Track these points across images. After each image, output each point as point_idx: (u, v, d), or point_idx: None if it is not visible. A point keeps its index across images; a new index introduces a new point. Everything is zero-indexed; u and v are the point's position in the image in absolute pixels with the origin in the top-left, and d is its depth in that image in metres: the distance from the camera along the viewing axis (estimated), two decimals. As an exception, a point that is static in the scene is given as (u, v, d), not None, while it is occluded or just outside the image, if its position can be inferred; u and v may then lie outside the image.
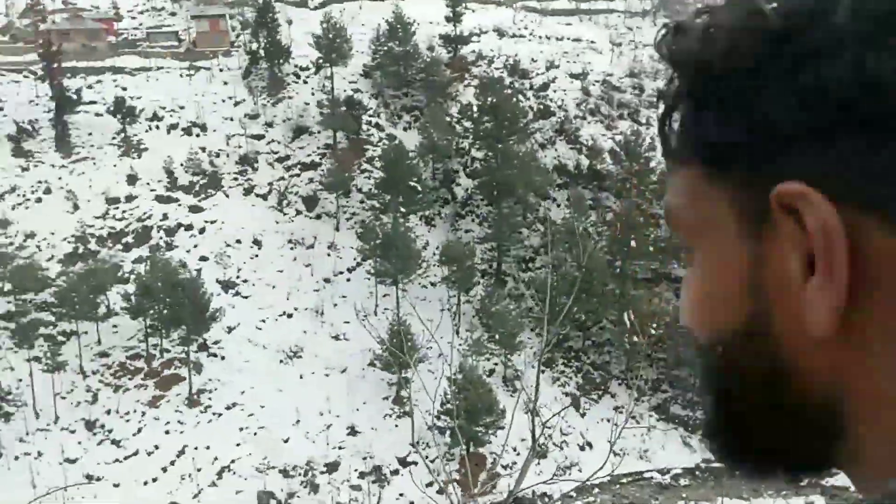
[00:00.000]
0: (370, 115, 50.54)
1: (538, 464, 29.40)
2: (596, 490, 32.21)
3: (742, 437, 0.54)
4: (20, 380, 35.39)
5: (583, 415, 37.66)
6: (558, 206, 47.32)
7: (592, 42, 58.89)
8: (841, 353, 0.48)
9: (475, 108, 47.60)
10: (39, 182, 43.91)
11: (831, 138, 0.46)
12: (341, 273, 43.18)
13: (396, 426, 36.50)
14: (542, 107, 53.08)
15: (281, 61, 51.78)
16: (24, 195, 43.27)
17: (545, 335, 12.72)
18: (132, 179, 44.82)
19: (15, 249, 39.75)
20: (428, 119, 48.45)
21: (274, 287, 41.73)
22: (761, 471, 0.54)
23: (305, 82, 52.24)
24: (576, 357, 41.09)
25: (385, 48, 51.68)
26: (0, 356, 36.26)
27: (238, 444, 34.69)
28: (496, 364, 39.89)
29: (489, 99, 46.44)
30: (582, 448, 36.21)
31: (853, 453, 0.49)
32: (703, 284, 0.54)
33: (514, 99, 48.30)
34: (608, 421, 38.57)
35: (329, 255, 43.75)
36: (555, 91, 54.22)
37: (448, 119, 49.12)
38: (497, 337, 38.84)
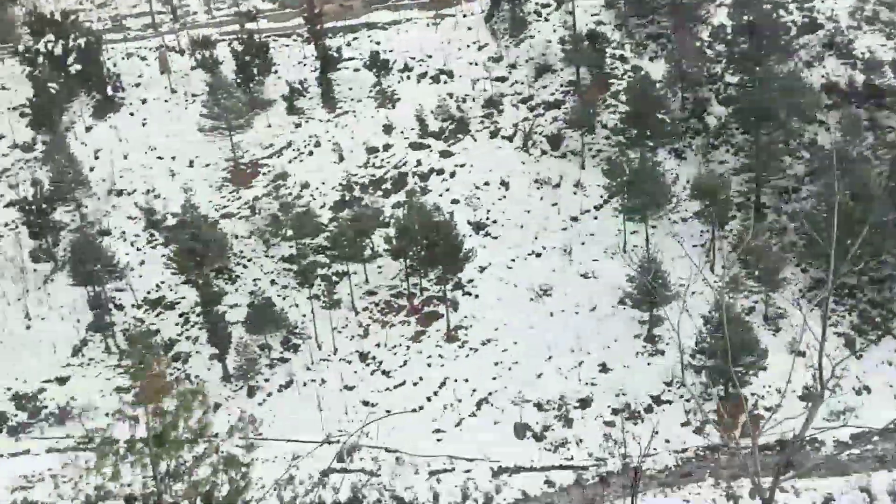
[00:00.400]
0: (613, 48, 48.94)
1: (806, 406, 27.45)
2: (876, 438, 29.57)
3: None
4: (304, 315, 39.68)
5: (859, 356, 34.45)
6: (828, 130, 42.95)
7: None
8: None
9: (729, 29, 44.15)
10: (310, 136, 48.14)
11: None
12: (588, 211, 42.87)
13: (649, 364, 35.98)
14: (807, 19, 48.00)
15: (522, 0, 51.65)
16: (298, 149, 47.74)
17: (832, 271, 11.16)
18: (388, 129, 47.59)
19: (294, 199, 44.20)
20: (676, 46, 45.89)
21: (522, 227, 42.50)
22: None
23: (547, 19, 51.72)
24: (850, 294, 37.53)
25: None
26: (287, 295, 40.85)
27: (494, 378, 36.27)
28: (756, 302, 37.64)
29: (745, 17, 42.82)
30: (858, 392, 33.29)
31: None
32: None
33: (774, 14, 44.10)
34: (890, 364, 34.95)
35: (575, 193, 43.57)
36: (823, 1, 48.73)
37: (698, 44, 46.13)
38: (756, 273, 36.52)
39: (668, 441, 32.26)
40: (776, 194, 41.92)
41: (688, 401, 33.47)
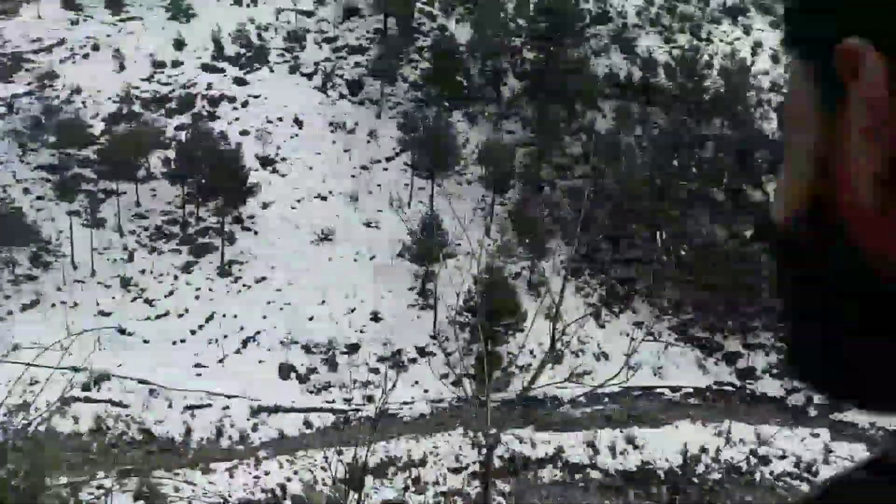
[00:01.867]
0: (423, 3, 49.24)
1: (552, 368, 30.03)
2: (606, 399, 32.97)
3: (831, 345, 0.49)
4: (60, 231, 36.47)
5: (602, 326, 38.14)
6: (604, 117, 46.39)
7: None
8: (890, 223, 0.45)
9: (532, 7, 46.05)
10: (88, 38, 43.84)
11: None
12: (379, 161, 43.18)
13: (419, 317, 37.30)
14: (600, 11, 51.27)
15: (337, -63, 50.23)
16: (72, 49, 43.31)
17: (576, 243, 12.94)
18: (179, 45, 44.56)
19: (61, 103, 40.16)
20: (482, 13, 47.11)
21: (311, 168, 41.94)
22: (850, 392, 0.49)
23: (361, -39, 50.83)
24: (602, 270, 41.22)
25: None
26: (42, 207, 37.26)
27: (264, 317, 35.78)
28: (523, 268, 40.21)
29: (546, -1, 44.90)
30: (598, 358, 36.82)
31: None
32: (788, 166, 0.52)
33: (573, 1, 46.63)
34: (627, 335, 39.06)
35: (369, 141, 43.66)
36: (617, -4, 52.30)
37: (503, 15, 47.71)
38: (527, 241, 38.97)
39: (426, 391, 33.81)
40: (555, 170, 44.77)
41: (449, 354, 35.19)
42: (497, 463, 27.92)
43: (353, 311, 36.69)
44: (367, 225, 40.50)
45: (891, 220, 0.44)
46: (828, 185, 0.48)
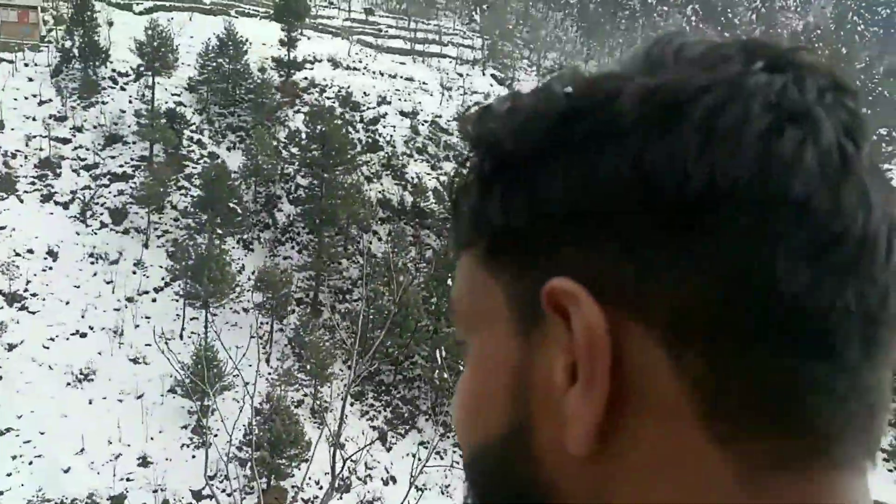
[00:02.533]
0: (192, 131, 48.53)
1: (340, 498, 28.92)
2: (397, 526, 32.11)
3: None
4: None
5: (389, 449, 37.61)
6: (380, 239, 47.57)
7: (424, 83, 60.34)
8: (598, 474, 0.40)
9: (304, 135, 47.03)
10: None
11: (606, 231, 0.40)
12: (147, 293, 40.69)
13: (194, 457, 34.58)
14: (371, 140, 53.45)
15: (97, 63, 48.57)
16: None
17: (354, 367, 12.66)
18: None
19: None
20: (254, 141, 47.25)
21: (68, 303, 38.51)
22: None
23: (123, 89, 49.33)
24: (386, 391, 41.11)
25: (214, 63, 50.02)
26: None
27: (9, 475, 31.34)
28: (305, 395, 39.06)
29: (319, 127, 46.10)
30: (386, 483, 36.07)
31: None
32: (472, 384, 0.46)
33: (344, 130, 48.29)
34: (413, 456, 38.76)
35: (135, 272, 41.14)
36: (384, 126, 54.84)
37: (275, 143, 48.18)
38: (308, 367, 38.08)
39: (204, 539, 31.00)
40: (333, 293, 44.72)
41: (229, 495, 32.75)
42: None
43: (117, 457, 33.24)
44: (135, 361, 37.53)
45: (588, 465, 0.40)
46: (522, 419, 0.42)
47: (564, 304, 0.40)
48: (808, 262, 0.37)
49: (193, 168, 46.33)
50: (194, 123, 48.96)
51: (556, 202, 0.41)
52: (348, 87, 56.06)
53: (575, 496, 0.41)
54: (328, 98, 54.37)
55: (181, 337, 38.52)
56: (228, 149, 48.87)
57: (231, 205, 43.09)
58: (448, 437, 39.77)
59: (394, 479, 36.36)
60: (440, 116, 57.29)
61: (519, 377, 0.42)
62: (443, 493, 35.65)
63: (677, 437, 0.38)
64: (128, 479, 32.78)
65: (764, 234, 0.37)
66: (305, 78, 55.45)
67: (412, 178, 51.79)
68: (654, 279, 0.38)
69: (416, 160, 53.62)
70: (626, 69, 0.42)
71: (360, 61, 60.37)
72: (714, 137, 0.38)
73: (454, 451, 38.78)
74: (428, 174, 52.41)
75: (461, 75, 63.80)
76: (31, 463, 31.97)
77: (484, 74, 65.35)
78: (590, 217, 0.40)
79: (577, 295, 0.39)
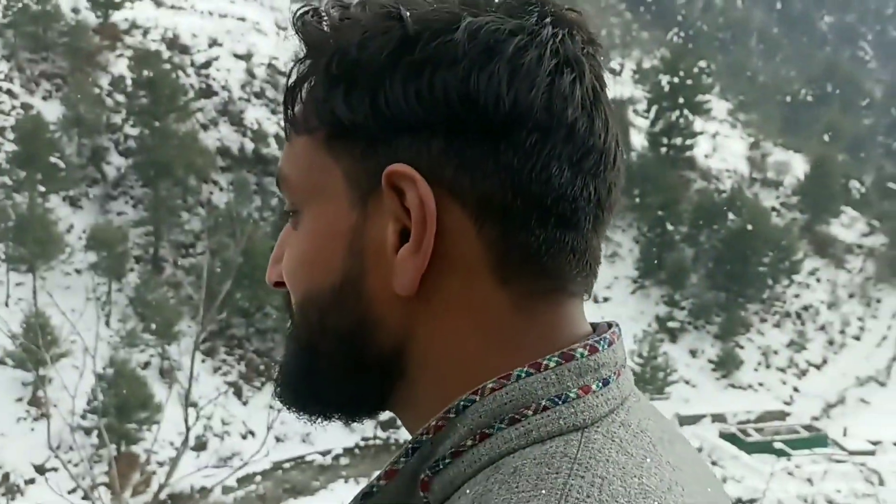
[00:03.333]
0: (1, 80, 44.21)
1: (198, 457, 28.28)
2: (258, 478, 31.87)
3: (319, 387, 0.62)
4: None
5: (245, 403, 37.01)
6: (221, 189, 45.82)
7: (258, 23, 57.81)
8: (414, 309, 0.58)
9: (129, 82, 43.98)
10: None
11: (436, 133, 0.56)
12: (-39, 259, 37.26)
13: (33, 430, 32.57)
14: (204, 85, 50.85)
15: None
16: None
17: (201, 322, 12.24)
18: None
19: None
20: (72, 89, 43.71)
21: None
22: (327, 416, 0.64)
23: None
24: (239, 345, 40.23)
25: (19, 4, 45.48)
26: None
27: None
28: (152, 356, 37.51)
29: (145, 72, 43.25)
30: (244, 437, 35.58)
31: (408, 396, 0.60)
32: (308, 246, 0.62)
33: (174, 74, 45.62)
34: (271, 407, 38.37)
35: (-54, 238, 37.48)
36: (218, 70, 52.28)
37: (97, 91, 44.80)
38: (153, 327, 36.48)
39: (52, 513, 29.44)
40: (174, 248, 42.80)
41: (76, 465, 31.21)
42: (146, 575, 25.33)
43: (-57, 438, 30.71)
44: (-46, 334, 34.45)
45: (407, 305, 0.58)
46: (355, 272, 0.59)
47: (400, 184, 0.56)
48: (570, 167, 0.57)
49: (5, 120, 42.35)
50: (2, 71, 44.59)
51: (395, 107, 0.57)
52: (175, 28, 52.76)
53: (394, 328, 0.59)
54: (153, 41, 50.98)
55: (7, 304, 35.73)
56: (44, 98, 44.97)
57: (52, 160, 39.88)
58: (305, 385, 39.58)
59: (252, 433, 35.90)
60: (277, 58, 55.25)
61: (354, 238, 0.59)
62: (303, 441, 35.64)
63: (473, 283, 0.57)
64: (-42, 461, 30.42)
65: (545, 148, 0.56)
66: (126, 19, 51.60)
67: (251, 124, 49.96)
68: (469, 172, 0.56)
69: (254, 105, 51.63)
70: (451, 7, 0.58)
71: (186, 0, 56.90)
72: (519, 72, 0.56)
73: (312, 399, 38.71)
74: (268, 119, 50.70)
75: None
76: None
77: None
78: (424, 122, 0.56)
79: (413, 176, 0.56)
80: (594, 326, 0.63)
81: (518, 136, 0.56)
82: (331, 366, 0.61)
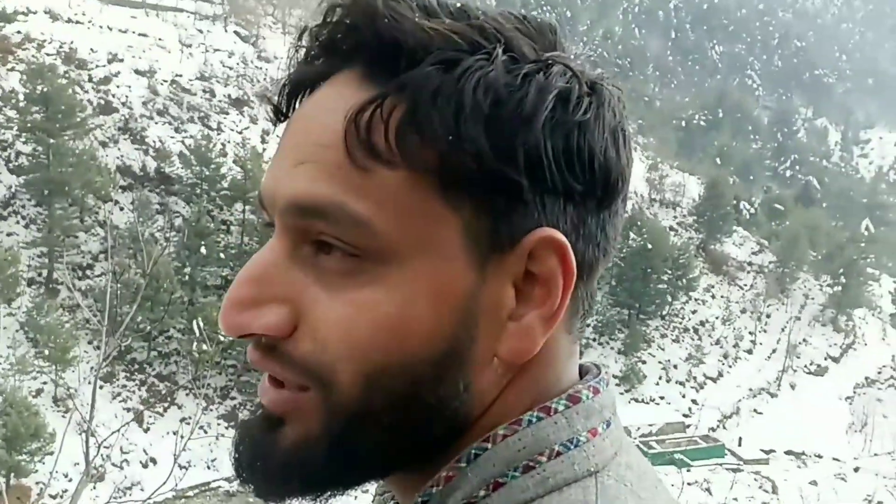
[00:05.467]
0: None
1: (94, 488, 27.13)
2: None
3: (351, 463, 0.52)
4: None
5: (146, 430, 35.66)
6: (122, 209, 44.26)
7: (160, 39, 56.42)
8: (512, 371, 0.53)
9: (22, 96, 42.06)
10: None
11: (571, 198, 0.51)
12: None
13: (-89, 466, 30.39)
14: (103, 102, 49.16)
15: None
16: None
17: (103, 347, 11.86)
18: None
19: None
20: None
21: None
22: (323, 492, 0.54)
23: None
24: (140, 369, 38.82)
25: None
26: None
27: None
28: (45, 383, 35.74)
29: (39, 87, 41.47)
30: (145, 465, 34.29)
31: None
32: (400, 308, 0.49)
33: (70, 90, 43.92)
34: (175, 433, 37.08)
35: None
36: (118, 87, 50.67)
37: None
38: (47, 353, 34.79)
39: (-67, 555, 27.53)
40: (71, 270, 41.02)
41: (-39, 502, 29.32)
42: None
43: None
44: None
45: (506, 395, 0.53)
46: (465, 336, 0.51)
47: (540, 249, 0.51)
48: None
49: None
50: None
51: (549, 165, 0.50)
52: (71, 42, 50.91)
53: (484, 394, 0.52)
54: (48, 54, 49.00)
55: None
56: (-74, 111, 42.52)
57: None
58: (211, 411, 38.53)
59: (154, 461, 34.63)
60: (181, 75, 54.00)
61: (469, 302, 0.50)
62: (209, 468, 34.62)
63: (559, 339, 0.55)
64: None
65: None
66: (19, 32, 49.44)
67: (154, 142, 48.54)
68: (586, 239, 0.53)
69: (156, 123, 50.22)
70: (582, 60, 0.55)
71: (84, 13, 54.96)
72: (617, 139, 0.54)
73: (219, 424, 37.71)
74: (172, 137, 49.37)
75: (201, 31, 60.48)
76: None
77: (227, 31, 62.51)
78: (568, 186, 0.51)
79: (563, 245, 0.50)
80: (580, 367, 0.61)
81: (615, 204, 0.54)
82: (389, 440, 0.51)
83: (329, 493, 0.53)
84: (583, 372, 0.59)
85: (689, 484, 33.56)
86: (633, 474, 0.52)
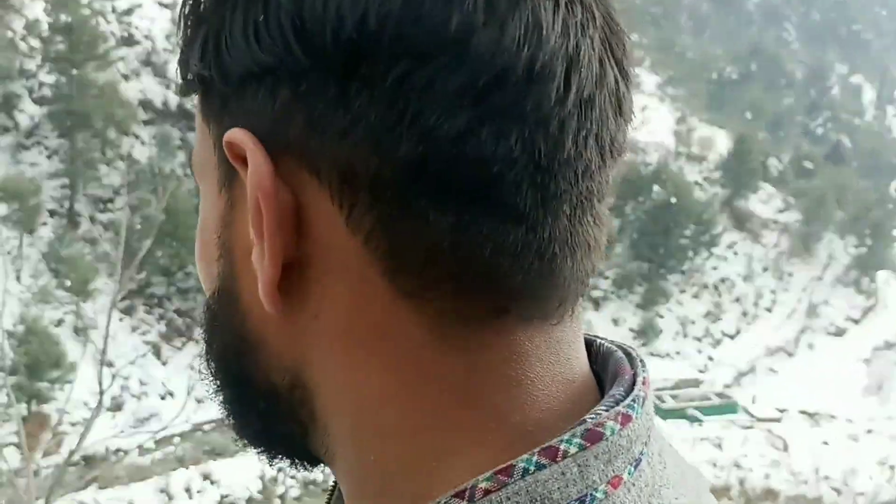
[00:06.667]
0: None
1: (113, 417, 27.55)
2: (177, 439, 31.33)
3: (239, 413, 0.46)
4: None
5: (164, 363, 36.19)
6: (143, 143, 44.23)
7: (184, -29, 55.48)
8: (297, 332, 0.40)
9: (45, 26, 41.72)
10: None
11: (280, 80, 0.37)
12: None
13: (-65, 389, 31.12)
14: (125, 34, 48.72)
15: None
16: None
17: (118, 279, 11.87)
18: None
19: None
20: (-17, 30, 41.31)
21: None
22: (269, 453, 0.47)
23: None
24: (159, 304, 39.22)
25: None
26: None
27: None
28: (66, 313, 36.24)
29: (63, 16, 41.11)
30: (163, 398, 34.87)
31: (332, 451, 0.42)
32: (199, 233, 0.45)
33: (94, 21, 43.52)
34: (191, 368, 37.65)
35: None
36: (141, 19, 50.14)
37: (10, 35, 42.39)
38: (68, 284, 35.18)
39: (-44, 475, 28.32)
40: (92, 203, 41.23)
41: (-17, 426, 30.06)
42: (57, 538, 24.66)
43: None
44: None
45: (287, 324, 0.40)
46: (229, 272, 0.42)
47: (243, 155, 0.39)
48: (464, 107, 0.35)
49: None
50: None
51: (235, 50, 0.39)
52: (96, -29, 50.21)
53: (280, 354, 0.41)
54: (72, -17, 48.40)
55: None
56: (-49, 39, 42.35)
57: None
58: (228, 347, 38.89)
59: (171, 394, 35.20)
60: (205, 10, 53.25)
61: (223, 231, 0.42)
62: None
63: (365, 295, 0.38)
64: None
65: (414, 81, 0.35)
66: (43, -41, 48.83)
67: (176, 76, 48.08)
68: (320, 132, 0.36)
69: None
70: None
71: (109, -58, 54.07)
72: None
73: (235, 360, 38.14)
74: (193, 72, 48.91)
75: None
76: None
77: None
78: (265, 66, 0.38)
79: (244, 144, 0.38)
80: (594, 348, 0.45)
81: (373, 69, 0.35)
82: (225, 391, 0.45)
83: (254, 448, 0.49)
84: (600, 357, 0.44)
85: (700, 439, 33.65)
86: None
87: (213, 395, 0.46)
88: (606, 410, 0.38)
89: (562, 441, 0.36)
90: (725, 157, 61.69)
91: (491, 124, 0.34)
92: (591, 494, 0.36)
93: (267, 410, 0.43)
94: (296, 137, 0.37)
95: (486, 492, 0.35)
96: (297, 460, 0.45)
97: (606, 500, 0.36)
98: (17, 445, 28.45)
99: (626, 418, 0.38)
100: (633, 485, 0.37)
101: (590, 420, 0.37)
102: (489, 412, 0.37)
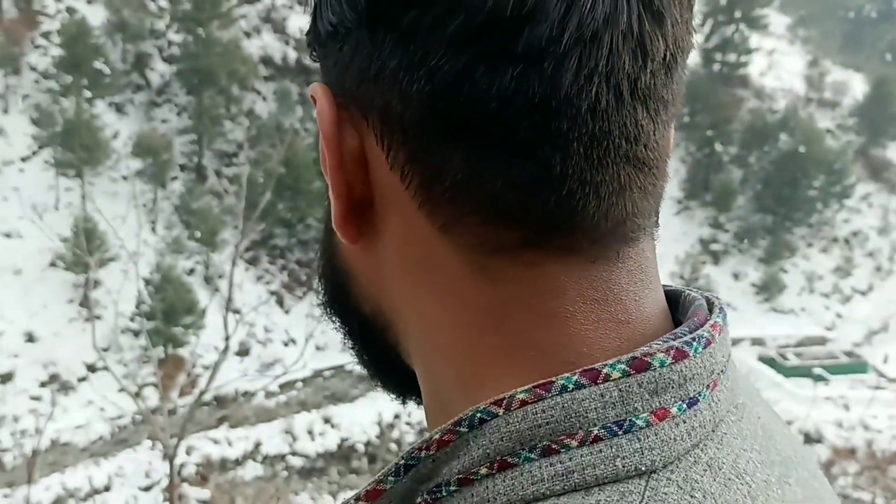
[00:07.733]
0: (45, -18, 44.02)
1: (241, 361, 29.01)
2: (299, 384, 32.80)
3: (350, 342, 0.53)
4: None
5: (287, 312, 37.78)
6: (264, 99, 45.62)
7: (301, -73, 56.15)
8: (372, 265, 0.46)
9: (173, -14, 43.39)
10: None
11: (350, 34, 0.42)
12: (12, 162, 37.97)
13: (84, 331, 33.70)
14: (247, -8, 50.01)
15: None
16: None
17: (241, 230, 12.47)
18: None
19: None
20: (117, -7, 43.39)
21: (-76, 177, 35.61)
22: (385, 385, 0.54)
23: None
24: (281, 255, 40.81)
25: None
26: None
27: None
28: (197, 263, 38.29)
29: (191, -24, 42.60)
30: (286, 344, 36.49)
31: (412, 368, 0.47)
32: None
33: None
34: (311, 317, 39.16)
35: (-4, 141, 38.18)
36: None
37: (141, -5, 44.39)
38: (198, 235, 37.11)
39: (102, 409, 30.79)
40: (218, 157, 43.06)
41: (126, 365, 32.42)
42: (192, 470, 26.46)
43: (0, 335, 32.02)
44: (7, 236, 35.48)
45: (366, 256, 0.45)
46: (328, 206, 0.48)
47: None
48: (462, 48, 0.37)
49: (51, 24, 42.33)
50: (46, -26, 44.35)
51: (320, 18, 0.45)
52: (218, -69, 51.51)
53: (365, 283, 0.47)
54: (197, -56, 49.93)
55: (56, 208, 36.52)
56: (88, 1, 44.72)
57: (97, 65, 39.94)
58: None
59: (294, 341, 36.78)
60: (321, -36, 53.79)
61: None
62: (343, 351, 36.30)
63: (412, 228, 0.42)
64: (15, 357, 31.77)
65: (423, 25, 0.38)
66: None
67: (295, 32, 49.22)
68: (366, 80, 0.41)
69: (297, 13, 50.79)
70: None
71: None
72: None
73: (352, 309, 39.35)
74: (303, 28, 49.79)
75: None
76: None
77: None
78: (334, 26, 0.43)
79: (315, 94, 0.45)
80: (681, 298, 0.45)
81: (393, 20, 0.39)
82: (336, 320, 0.53)
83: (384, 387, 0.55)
84: (683, 307, 0.44)
85: (826, 398, 32.27)
86: (716, 479, 0.36)
87: (333, 327, 0.53)
88: (660, 344, 0.38)
89: (605, 365, 0.37)
90: (861, 102, 57.54)
91: (486, 63, 0.36)
92: (630, 420, 0.36)
93: (364, 337, 0.49)
94: (353, 87, 0.42)
95: (523, 403, 0.37)
96: (406, 392, 0.51)
97: (648, 429, 0.36)
98: (155, 385, 30.58)
99: (681, 353, 0.38)
100: (685, 422, 0.37)
101: (639, 351, 0.38)
102: (528, 341, 0.39)
